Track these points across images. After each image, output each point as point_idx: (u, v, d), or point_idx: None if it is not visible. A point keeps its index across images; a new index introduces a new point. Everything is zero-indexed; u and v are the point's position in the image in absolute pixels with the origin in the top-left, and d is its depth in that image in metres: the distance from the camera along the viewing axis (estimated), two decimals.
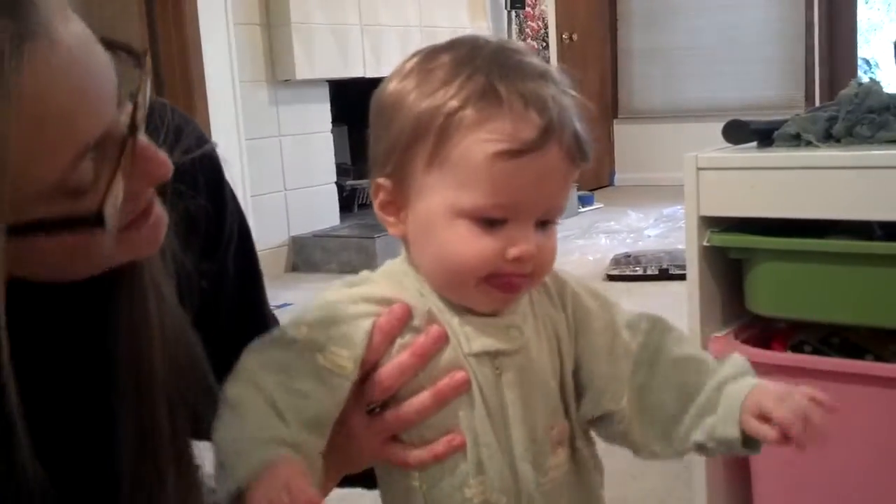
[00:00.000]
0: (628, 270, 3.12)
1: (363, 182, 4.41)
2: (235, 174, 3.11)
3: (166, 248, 0.62)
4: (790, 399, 0.60)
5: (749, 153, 1.20)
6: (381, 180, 0.62)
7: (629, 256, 3.27)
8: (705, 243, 1.19)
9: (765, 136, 1.21)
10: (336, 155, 4.03)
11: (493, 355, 0.62)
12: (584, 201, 4.64)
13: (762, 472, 1.23)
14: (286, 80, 3.63)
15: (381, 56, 4.04)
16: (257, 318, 0.78)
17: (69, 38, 0.48)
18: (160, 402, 0.62)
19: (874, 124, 1.12)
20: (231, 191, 0.77)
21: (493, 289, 0.60)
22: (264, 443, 0.56)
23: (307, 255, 3.72)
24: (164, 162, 0.55)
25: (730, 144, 1.26)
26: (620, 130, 5.64)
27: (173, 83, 2.95)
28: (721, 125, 1.28)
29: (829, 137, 1.15)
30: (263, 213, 3.44)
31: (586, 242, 3.80)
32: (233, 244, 0.75)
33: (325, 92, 3.89)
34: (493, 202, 0.58)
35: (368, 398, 0.63)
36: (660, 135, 5.25)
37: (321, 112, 3.89)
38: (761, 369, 1.16)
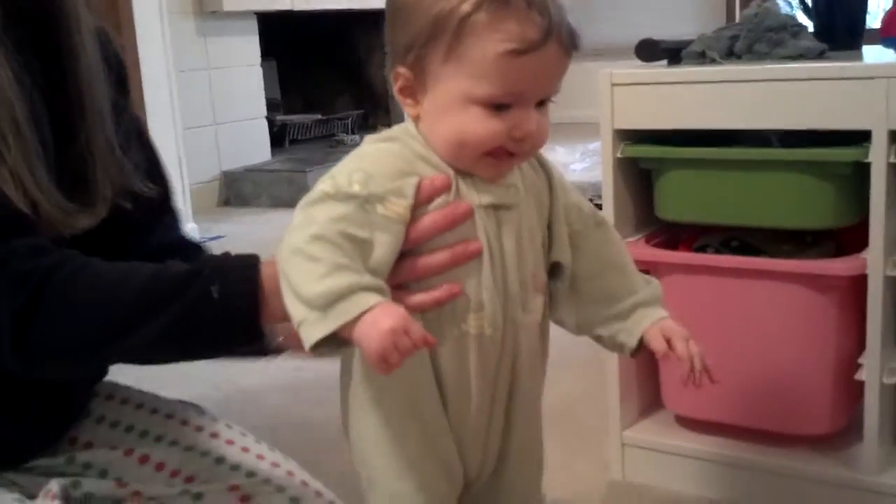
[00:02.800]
0: None
1: (293, 117, 4.41)
2: (165, 106, 3.09)
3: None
4: (691, 344, 0.79)
5: (659, 69, 1.28)
6: (401, 69, 0.72)
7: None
8: (619, 155, 1.27)
9: (674, 54, 1.29)
10: (266, 90, 4.01)
11: (496, 208, 0.74)
12: None
13: (669, 368, 1.34)
14: (213, 12, 3.59)
15: None
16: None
17: None
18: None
19: (771, 42, 1.21)
20: None
21: (493, 159, 0.72)
22: (355, 291, 0.66)
23: (238, 189, 3.72)
24: None
25: (642, 62, 1.34)
26: None
27: (100, 15, 2.88)
28: None
29: (731, 55, 1.24)
30: (194, 147, 3.42)
31: None
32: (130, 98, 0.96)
33: (253, 24, 3.85)
34: (502, 91, 0.69)
35: None
36: (584, 73, 5.31)
37: (250, 45, 3.86)
38: (669, 269, 1.27)
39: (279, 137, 4.19)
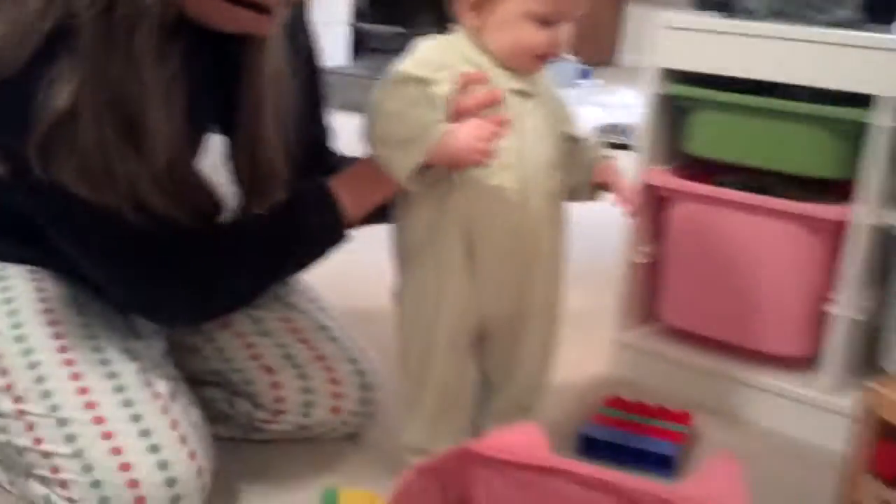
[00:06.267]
0: (613, 139, 3.35)
1: (376, 27, 4.57)
2: None
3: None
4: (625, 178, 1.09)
5: (711, 20, 1.42)
6: None
7: (616, 126, 3.50)
8: (660, 91, 1.44)
9: (727, 7, 1.44)
10: None
11: (522, 94, 1.01)
12: (582, 74, 4.82)
13: (672, 287, 1.53)
14: None
15: None
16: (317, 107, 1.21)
17: None
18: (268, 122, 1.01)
19: (815, 7, 1.36)
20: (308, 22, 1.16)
21: (539, 60, 1.01)
22: (432, 124, 0.93)
23: None
24: None
25: (697, 10, 1.48)
26: (633, 12, 5.75)
27: None
28: None
29: (778, 14, 1.39)
30: None
31: (577, 111, 4.02)
32: (303, 52, 1.14)
33: None
34: (551, 10, 0.97)
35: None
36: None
37: None
38: (685, 197, 1.44)
39: (361, 44, 4.37)
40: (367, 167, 1.04)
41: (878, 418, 1.01)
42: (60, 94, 0.82)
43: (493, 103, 0.98)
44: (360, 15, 4.38)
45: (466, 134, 0.92)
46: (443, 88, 0.95)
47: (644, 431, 1.32)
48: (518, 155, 1.00)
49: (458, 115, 0.96)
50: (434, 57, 0.98)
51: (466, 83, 0.97)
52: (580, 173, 1.08)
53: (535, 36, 0.97)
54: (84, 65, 0.83)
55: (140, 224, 0.89)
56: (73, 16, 0.82)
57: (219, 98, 1.00)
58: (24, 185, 0.88)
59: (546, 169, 1.03)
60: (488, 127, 0.92)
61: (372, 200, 1.07)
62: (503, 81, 1.00)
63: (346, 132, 1.33)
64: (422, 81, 0.95)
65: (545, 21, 0.97)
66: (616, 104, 4.28)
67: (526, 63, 1.00)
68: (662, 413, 1.38)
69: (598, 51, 5.55)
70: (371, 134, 0.97)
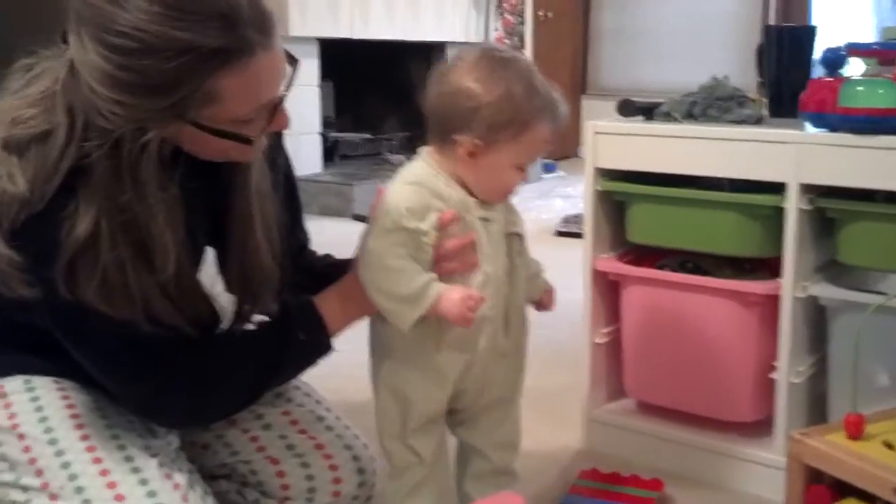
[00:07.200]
0: (575, 228, 3.52)
1: (345, 135, 4.79)
2: None
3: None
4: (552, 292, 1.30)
5: (634, 124, 1.60)
6: (476, 140, 1.12)
7: (578, 216, 3.68)
8: (598, 188, 1.60)
9: (647, 112, 1.61)
10: (322, 108, 4.40)
11: (485, 220, 1.17)
12: (547, 168, 5.04)
13: (632, 364, 1.65)
14: (280, 36, 3.98)
15: (368, 20, 4.40)
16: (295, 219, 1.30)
17: (278, 49, 0.97)
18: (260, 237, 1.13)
19: (721, 108, 1.53)
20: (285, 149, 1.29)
21: (510, 194, 1.19)
22: (429, 284, 1.09)
23: None
24: (288, 120, 1.04)
25: (622, 117, 1.66)
26: (588, 105, 6.04)
27: None
28: None
29: (690, 116, 1.56)
30: None
31: (543, 203, 4.21)
32: (281, 170, 1.25)
33: (315, 49, 4.25)
34: (530, 160, 1.16)
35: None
36: None
37: (310, 67, 4.25)
38: (633, 280, 1.59)
39: (331, 152, 4.57)
40: (351, 288, 1.16)
41: (803, 465, 1.12)
42: (81, 223, 0.94)
43: (468, 245, 1.14)
44: (328, 124, 4.60)
45: (457, 302, 1.07)
46: (429, 237, 1.11)
47: (619, 499, 1.42)
48: (485, 272, 1.15)
49: (440, 256, 1.12)
50: (414, 204, 1.11)
51: (444, 226, 1.12)
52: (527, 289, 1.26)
53: (515, 177, 1.16)
54: (98, 195, 0.95)
55: (150, 335, 1.02)
56: (86, 156, 0.95)
57: (213, 215, 1.14)
58: (49, 306, 0.99)
59: (504, 276, 1.19)
60: (476, 298, 1.08)
61: (354, 317, 1.19)
62: (472, 210, 1.15)
63: (322, 234, 1.47)
64: (410, 231, 1.10)
65: (522, 167, 1.16)
66: (578, 195, 4.47)
67: (499, 197, 1.18)
68: (635, 481, 1.48)
69: (561, 146, 5.80)
70: (373, 285, 1.11)
